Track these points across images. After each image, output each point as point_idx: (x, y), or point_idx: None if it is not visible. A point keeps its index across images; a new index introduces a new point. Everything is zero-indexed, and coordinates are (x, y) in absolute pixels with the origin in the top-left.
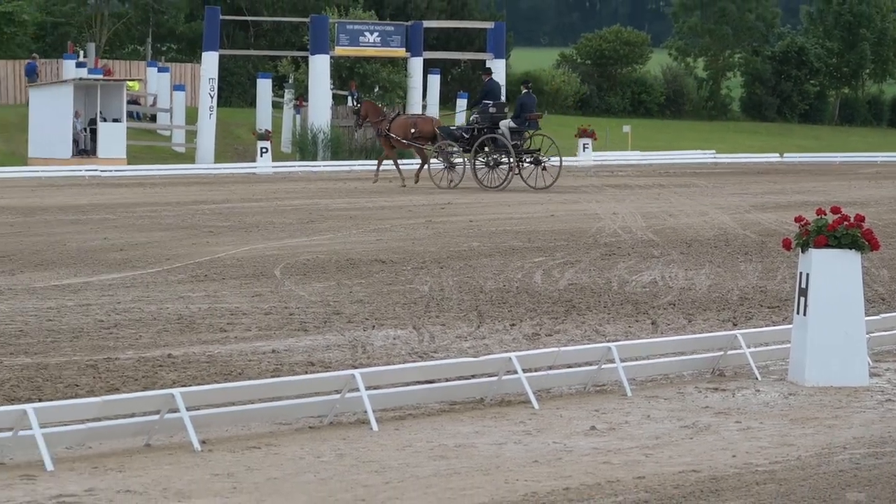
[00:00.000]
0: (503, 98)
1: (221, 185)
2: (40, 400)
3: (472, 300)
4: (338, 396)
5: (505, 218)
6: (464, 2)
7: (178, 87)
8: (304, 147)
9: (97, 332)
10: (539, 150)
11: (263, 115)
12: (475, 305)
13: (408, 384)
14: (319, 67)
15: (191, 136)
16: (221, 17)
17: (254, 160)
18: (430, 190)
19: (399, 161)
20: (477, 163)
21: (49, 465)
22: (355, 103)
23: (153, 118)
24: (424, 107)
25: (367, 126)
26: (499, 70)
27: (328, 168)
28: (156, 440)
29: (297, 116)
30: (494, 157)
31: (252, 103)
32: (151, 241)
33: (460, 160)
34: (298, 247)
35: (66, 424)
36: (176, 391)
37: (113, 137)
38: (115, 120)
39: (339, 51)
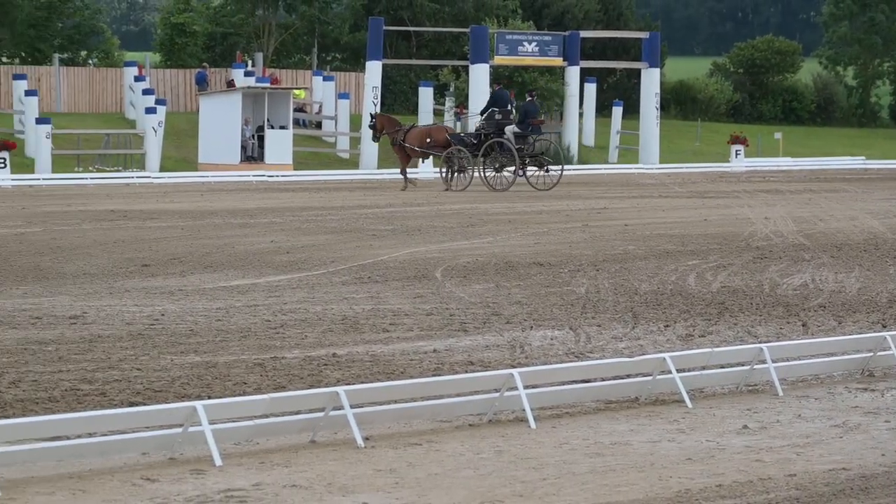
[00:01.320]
0: (510, 106)
1: (384, 190)
2: (210, 397)
3: (628, 302)
4: (497, 395)
5: (659, 222)
6: (620, 12)
7: (342, 96)
8: None
9: (264, 332)
10: (543, 153)
11: (425, 123)
12: (630, 307)
13: (565, 383)
14: (479, 76)
15: (354, 142)
16: (385, 27)
17: (416, 166)
18: (587, 196)
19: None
20: (485, 167)
21: (218, 461)
22: (371, 118)
23: (318, 125)
24: (581, 115)
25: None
26: (653, 79)
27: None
28: (321, 436)
29: (458, 124)
30: (502, 160)
31: (414, 111)
32: (316, 244)
33: (470, 165)
34: (459, 250)
35: (234, 421)
36: (340, 389)
37: (280, 144)
38: (282, 127)
39: (499, 60)
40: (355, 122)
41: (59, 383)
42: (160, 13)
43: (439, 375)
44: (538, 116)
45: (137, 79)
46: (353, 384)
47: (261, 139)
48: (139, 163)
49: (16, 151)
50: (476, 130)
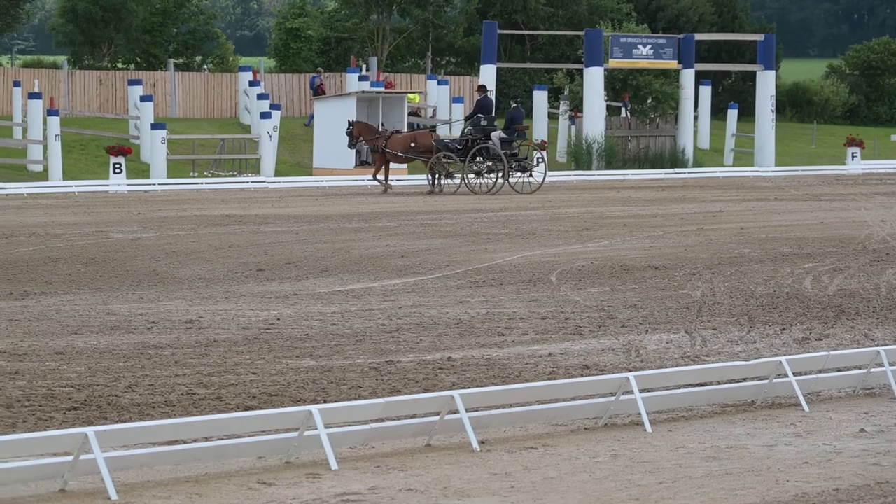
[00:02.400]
0: (493, 113)
1: (499, 194)
2: (325, 401)
3: (743, 305)
4: (612, 399)
5: (775, 225)
6: (734, 15)
7: (457, 100)
8: (579, 157)
9: (379, 336)
10: (526, 158)
11: (539, 126)
12: (746, 310)
13: (680, 387)
14: (594, 79)
15: None
16: (499, 31)
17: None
18: (702, 199)
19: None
20: (471, 171)
21: (333, 465)
22: (348, 126)
23: (433, 129)
24: (696, 117)
25: (360, 144)
26: (768, 81)
27: (602, 177)
28: (436, 440)
29: (573, 127)
30: (488, 164)
31: (528, 115)
32: (431, 248)
33: (456, 171)
34: (574, 253)
35: (349, 425)
36: (456, 393)
37: None
38: (397, 131)
39: (613, 63)
40: None
41: (176, 387)
42: (275, 18)
43: (555, 379)
44: (523, 122)
45: (252, 84)
46: (469, 388)
47: None
48: (254, 167)
49: (131, 156)
50: (461, 136)
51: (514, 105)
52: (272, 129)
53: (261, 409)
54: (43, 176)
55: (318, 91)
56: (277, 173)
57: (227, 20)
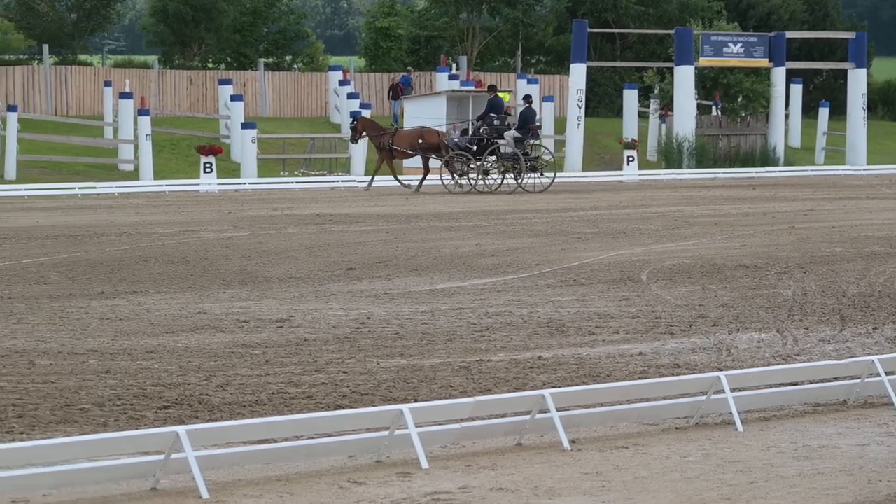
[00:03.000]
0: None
1: (589, 193)
2: (416, 400)
3: (835, 304)
4: (703, 398)
5: (867, 223)
6: (825, 13)
7: (546, 99)
8: (670, 155)
9: (470, 335)
10: (538, 157)
11: (630, 125)
12: (838, 309)
13: (771, 386)
14: (684, 78)
15: (559, 145)
16: (589, 29)
17: (620, 168)
18: (793, 197)
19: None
20: (480, 170)
21: (424, 464)
22: (352, 121)
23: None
24: (787, 116)
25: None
26: (860, 79)
27: (693, 176)
28: (526, 439)
29: (663, 126)
30: (505, 163)
31: (618, 113)
32: (521, 247)
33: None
34: (664, 252)
35: (440, 424)
36: (546, 392)
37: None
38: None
39: (704, 61)
40: (560, 126)
41: (267, 386)
42: (364, 17)
43: (645, 378)
44: (535, 122)
45: (342, 83)
46: (559, 387)
47: None
48: (344, 167)
49: (222, 156)
50: (473, 135)
51: (526, 105)
52: None
53: (351, 408)
54: (134, 175)
55: (396, 91)
56: (367, 172)
57: (317, 19)
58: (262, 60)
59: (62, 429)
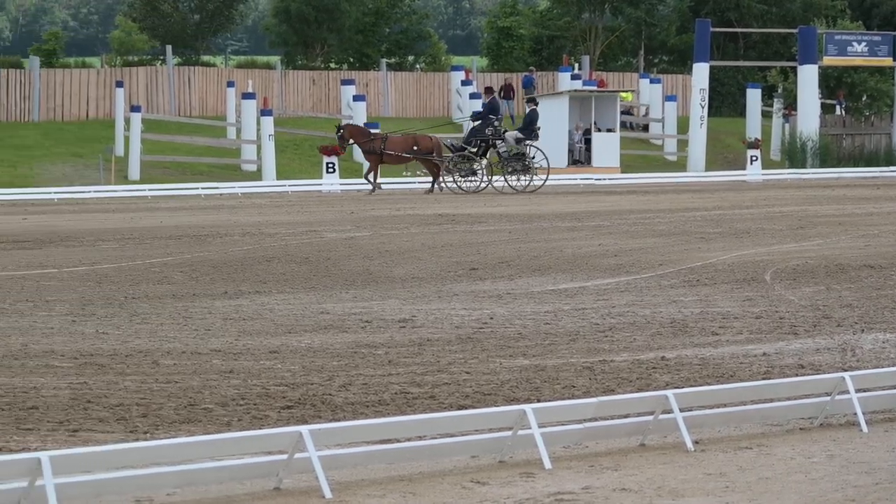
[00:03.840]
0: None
1: (712, 193)
2: (538, 400)
3: None
4: (828, 399)
5: None
6: None
7: (669, 98)
8: (794, 155)
9: (593, 335)
10: (533, 157)
11: (753, 124)
12: None
13: None
14: (808, 77)
15: (682, 145)
16: (711, 29)
17: (743, 168)
18: None
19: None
20: (464, 171)
21: (547, 464)
22: (338, 130)
23: (645, 128)
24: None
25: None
26: None
27: (816, 175)
28: (650, 440)
29: (786, 125)
30: (513, 165)
31: (741, 113)
32: (644, 247)
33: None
34: (788, 252)
35: (562, 424)
36: (669, 392)
37: (607, 147)
38: (609, 130)
39: (827, 61)
40: (682, 125)
41: (389, 386)
42: (486, 17)
43: (769, 379)
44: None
45: (464, 83)
46: (683, 387)
47: (587, 142)
48: None
49: (344, 156)
50: (474, 137)
51: (532, 107)
52: None
53: (474, 408)
54: (256, 176)
55: (509, 91)
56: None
57: (439, 20)
58: (384, 61)
59: (186, 428)
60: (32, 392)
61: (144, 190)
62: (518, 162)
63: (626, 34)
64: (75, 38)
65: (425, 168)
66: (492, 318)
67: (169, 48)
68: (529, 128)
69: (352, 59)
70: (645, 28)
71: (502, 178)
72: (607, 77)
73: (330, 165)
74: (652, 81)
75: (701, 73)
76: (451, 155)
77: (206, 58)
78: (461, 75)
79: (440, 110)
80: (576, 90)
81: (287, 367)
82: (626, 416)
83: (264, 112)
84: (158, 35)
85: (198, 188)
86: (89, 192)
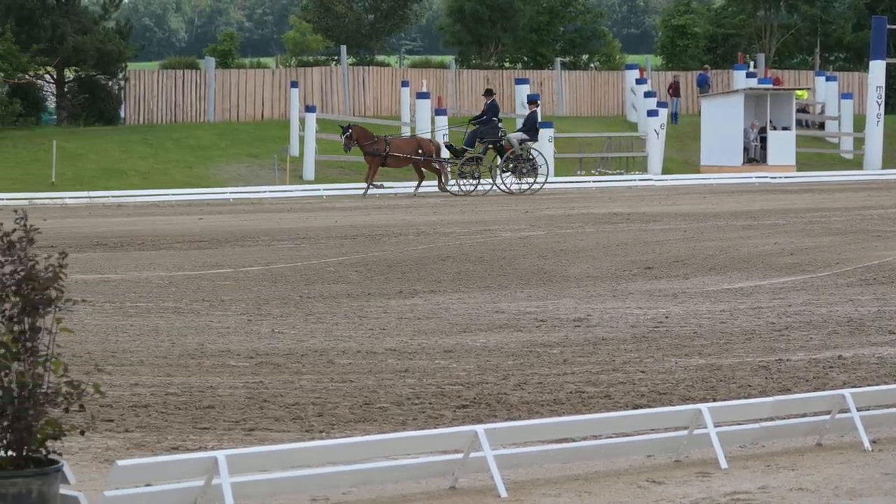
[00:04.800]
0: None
1: (889, 191)
2: (714, 400)
3: None
4: None
5: None
6: None
7: (845, 96)
8: None
9: (768, 334)
10: (534, 160)
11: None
12: None
13: None
14: None
15: (858, 143)
16: (888, 26)
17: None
18: None
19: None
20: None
21: (723, 463)
22: (345, 130)
23: (821, 126)
24: None
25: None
26: None
27: None
28: (826, 440)
29: None
30: (522, 166)
31: None
32: (820, 246)
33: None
34: None
35: (739, 424)
36: (846, 392)
37: (783, 145)
38: (785, 128)
39: None
40: (859, 123)
41: (564, 385)
42: (660, 15)
43: None
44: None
45: (639, 81)
46: (860, 387)
47: (763, 140)
48: (641, 165)
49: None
50: (480, 140)
51: (534, 108)
52: (659, 126)
53: (649, 407)
54: (430, 175)
55: (676, 89)
56: (665, 171)
57: (614, 18)
58: (558, 59)
59: (361, 427)
60: (209, 391)
61: (319, 190)
62: (526, 163)
63: (802, 32)
64: (250, 39)
65: (427, 170)
66: (667, 318)
67: (343, 48)
68: (534, 129)
69: (526, 58)
70: (820, 25)
71: (509, 180)
72: (783, 75)
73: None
74: (828, 79)
75: (878, 70)
76: (456, 158)
77: (380, 58)
78: (635, 74)
79: (614, 109)
80: (751, 88)
81: (462, 366)
82: (802, 416)
83: (438, 111)
84: (333, 35)
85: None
86: (264, 192)
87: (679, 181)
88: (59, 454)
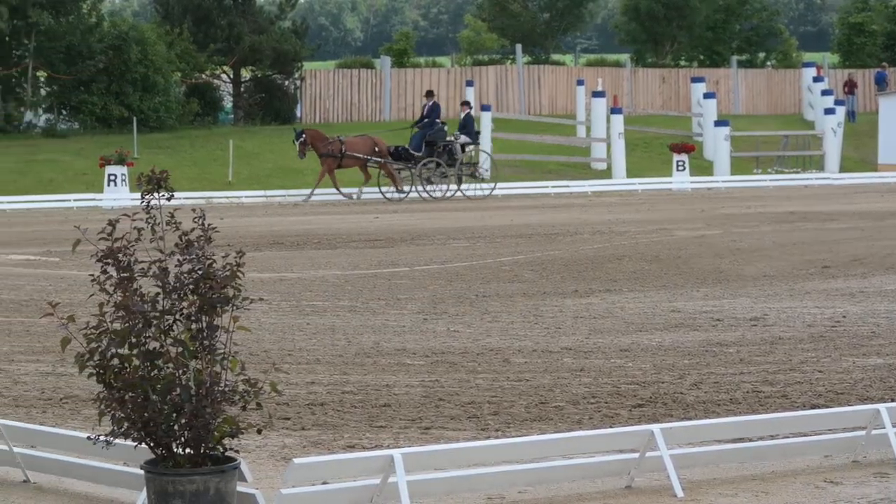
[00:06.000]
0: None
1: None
2: (892, 400)
3: None
4: None
5: None
6: None
7: None
8: None
9: None
10: (477, 163)
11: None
12: None
13: None
14: None
15: None
16: None
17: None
18: None
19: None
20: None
21: None
22: (299, 135)
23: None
24: None
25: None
26: None
27: None
28: None
29: None
30: (468, 171)
31: None
32: None
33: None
34: None
35: None
36: None
37: None
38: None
39: None
40: None
41: (741, 385)
42: (837, 13)
43: None
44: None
45: (816, 79)
46: None
47: None
48: (817, 164)
49: (694, 154)
50: (422, 144)
51: (467, 110)
52: (836, 125)
53: (826, 407)
54: (606, 174)
55: (852, 87)
56: (842, 169)
57: (790, 16)
58: (734, 58)
59: (537, 426)
60: (385, 390)
61: (499, 189)
62: (472, 167)
63: None
64: (425, 38)
65: (385, 172)
66: (844, 317)
67: (518, 47)
68: (471, 132)
69: (702, 57)
70: None
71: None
72: None
73: (680, 163)
74: None
75: None
76: (406, 163)
77: (555, 56)
78: (812, 72)
79: (791, 107)
80: None
81: (638, 365)
82: None
83: (614, 110)
84: (508, 34)
85: (547, 186)
86: (439, 191)
87: (856, 179)
88: (237, 452)
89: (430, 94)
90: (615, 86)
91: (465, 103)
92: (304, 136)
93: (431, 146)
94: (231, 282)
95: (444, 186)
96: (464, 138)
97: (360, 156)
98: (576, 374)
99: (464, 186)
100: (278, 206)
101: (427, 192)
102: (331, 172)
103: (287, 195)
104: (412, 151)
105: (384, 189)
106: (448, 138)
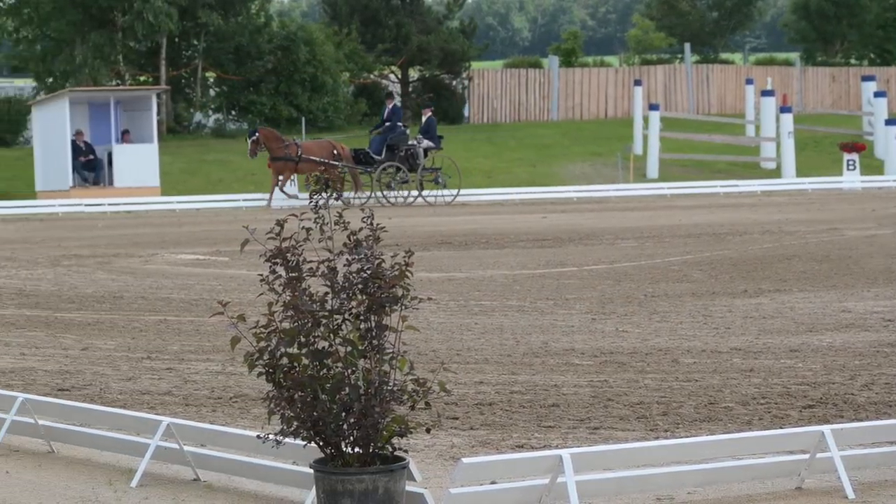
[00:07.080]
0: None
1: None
2: None
3: None
4: None
5: None
6: None
7: None
8: None
9: None
10: (440, 168)
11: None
12: None
13: None
14: None
15: None
16: None
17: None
18: None
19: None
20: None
21: None
22: (252, 134)
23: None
24: None
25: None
26: None
27: None
28: None
29: None
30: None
31: None
32: None
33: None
34: None
35: None
36: None
37: None
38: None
39: None
40: None
41: None
42: None
43: None
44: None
45: None
46: None
47: None
48: None
49: (865, 153)
50: (383, 148)
51: (430, 114)
52: None
53: None
54: (776, 173)
55: None
56: None
57: None
58: None
59: (706, 427)
60: (553, 390)
61: (663, 188)
62: (433, 172)
63: None
64: (593, 38)
65: (349, 175)
66: None
67: (687, 46)
68: (434, 136)
69: (872, 55)
70: None
71: (425, 191)
72: None
73: (850, 163)
74: None
75: None
76: (366, 167)
77: (724, 55)
78: None
79: None
80: None
81: (808, 365)
82: None
83: (783, 109)
84: (676, 33)
85: (716, 186)
86: (608, 190)
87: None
88: (405, 451)
89: (390, 95)
90: (784, 84)
91: (428, 107)
92: (256, 134)
93: (393, 150)
94: (400, 281)
95: (406, 192)
96: (426, 142)
97: (318, 159)
98: (745, 374)
99: (425, 192)
100: (445, 205)
101: (386, 196)
102: (280, 174)
103: (454, 194)
104: (373, 155)
105: (349, 195)
106: (410, 142)
